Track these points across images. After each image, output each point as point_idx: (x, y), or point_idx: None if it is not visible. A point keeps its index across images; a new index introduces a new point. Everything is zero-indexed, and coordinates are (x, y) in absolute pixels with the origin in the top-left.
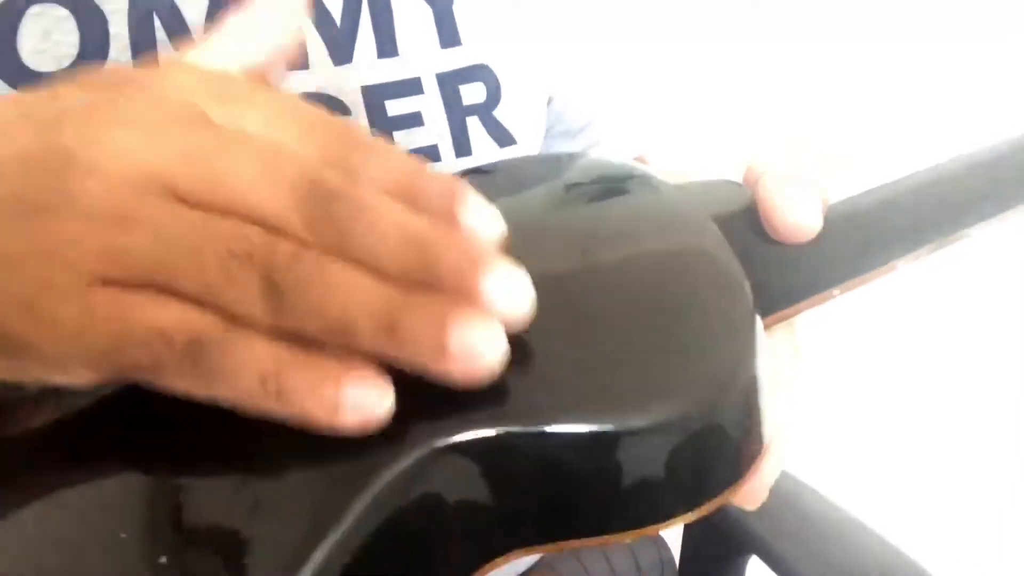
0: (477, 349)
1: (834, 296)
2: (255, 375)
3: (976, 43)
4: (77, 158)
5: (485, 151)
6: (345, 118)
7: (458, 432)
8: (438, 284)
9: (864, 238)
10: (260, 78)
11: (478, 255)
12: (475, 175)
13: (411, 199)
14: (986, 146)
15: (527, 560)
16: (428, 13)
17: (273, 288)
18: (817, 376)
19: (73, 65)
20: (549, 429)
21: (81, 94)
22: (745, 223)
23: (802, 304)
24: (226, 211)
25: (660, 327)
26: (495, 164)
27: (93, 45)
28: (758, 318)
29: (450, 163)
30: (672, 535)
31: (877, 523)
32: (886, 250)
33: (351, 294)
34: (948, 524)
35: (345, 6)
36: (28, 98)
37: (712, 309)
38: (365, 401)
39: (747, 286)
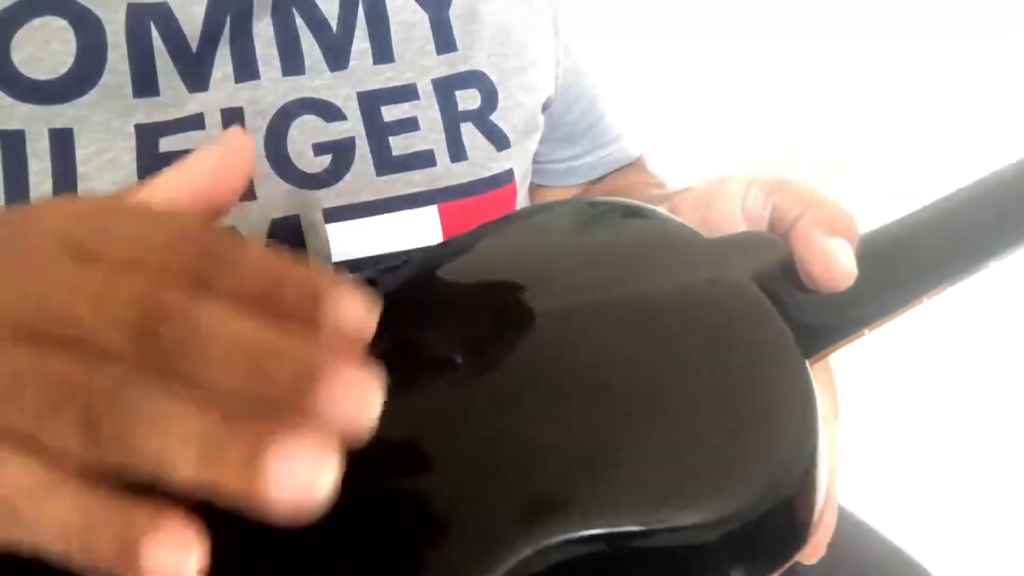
0: (295, 480)
1: (864, 335)
2: (64, 534)
3: (976, 43)
4: None
5: (481, 155)
6: (214, 226)
7: (545, 537)
8: (271, 404)
9: (891, 278)
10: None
11: (316, 366)
12: (499, 230)
13: (272, 306)
14: (998, 173)
15: None
16: (424, 19)
17: (91, 424)
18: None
19: (69, 72)
20: (630, 529)
21: None
22: (782, 275)
23: (837, 346)
24: (63, 346)
25: (726, 414)
26: (524, 218)
27: (89, 54)
28: (815, 385)
29: (445, 168)
30: None
31: (878, 522)
32: (913, 288)
33: (168, 426)
34: (948, 524)
35: (341, 12)
36: None
37: (774, 390)
38: (165, 562)
39: (801, 356)
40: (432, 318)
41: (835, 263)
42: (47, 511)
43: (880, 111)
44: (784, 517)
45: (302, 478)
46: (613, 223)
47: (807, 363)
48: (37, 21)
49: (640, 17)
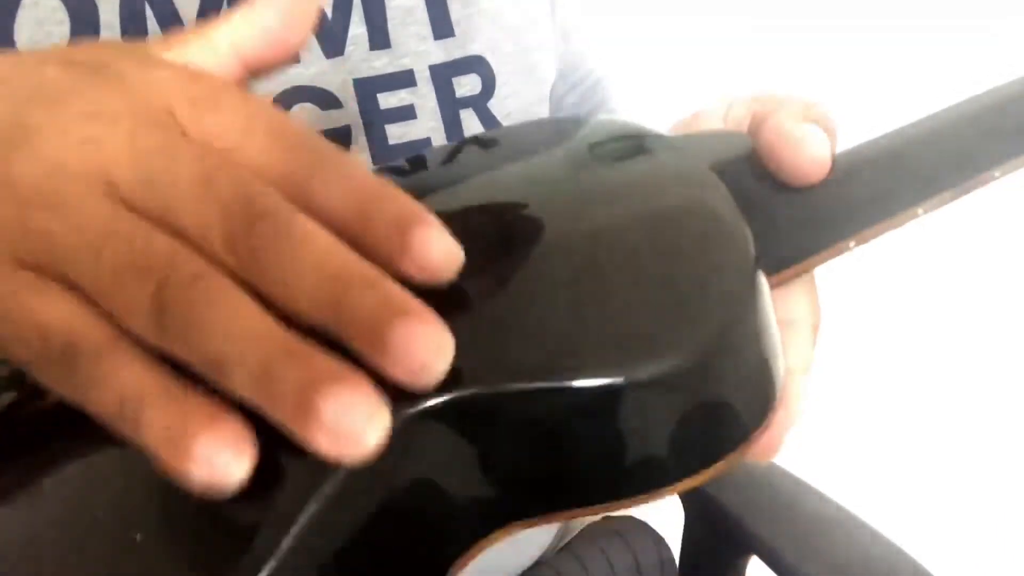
0: (345, 429)
1: (850, 248)
2: (116, 397)
3: (972, 35)
4: (32, 141)
5: None
6: (312, 131)
7: (439, 395)
8: (346, 333)
9: (881, 182)
10: (242, 80)
11: (396, 307)
12: (475, 144)
13: (363, 224)
14: (1002, 85)
15: (527, 557)
16: (421, 4)
17: (160, 306)
18: (815, 374)
19: None
20: (539, 386)
21: (61, 73)
22: (751, 171)
23: (817, 257)
24: (156, 218)
25: (654, 283)
26: (497, 131)
27: (84, 34)
28: (759, 270)
29: None
30: (672, 535)
31: (878, 522)
32: (905, 195)
33: (235, 330)
34: (948, 523)
35: None
36: (11, 61)
37: (706, 262)
38: (215, 461)
39: (747, 235)
40: None
41: (804, 147)
42: (105, 377)
43: (880, 105)
44: (718, 396)
45: (352, 430)
46: (584, 132)
47: (748, 231)
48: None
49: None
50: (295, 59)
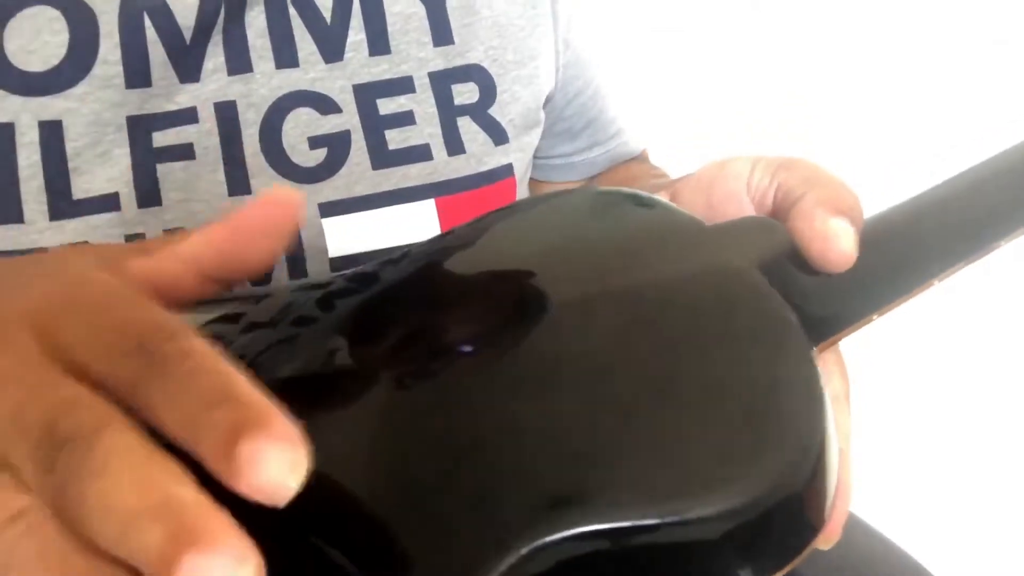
0: None
1: (873, 320)
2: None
3: (978, 44)
4: None
5: (479, 149)
6: (174, 321)
7: (543, 535)
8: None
9: (899, 261)
10: (201, 286)
11: (188, 539)
12: (501, 219)
13: (195, 440)
14: (1006, 151)
15: None
16: (421, 11)
17: None
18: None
19: (60, 64)
20: (635, 524)
21: None
22: (787, 260)
23: (846, 332)
24: None
25: (731, 405)
26: (524, 208)
27: (82, 44)
28: (821, 370)
29: (442, 161)
30: None
31: (878, 522)
32: (922, 271)
33: (44, 570)
34: (948, 524)
35: (336, 2)
36: None
37: (780, 379)
38: None
39: (807, 343)
40: (434, 309)
41: (833, 243)
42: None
43: (883, 109)
44: (794, 509)
45: None
46: (614, 213)
47: (814, 350)
48: (29, 11)
49: (640, 10)
50: (267, 269)
